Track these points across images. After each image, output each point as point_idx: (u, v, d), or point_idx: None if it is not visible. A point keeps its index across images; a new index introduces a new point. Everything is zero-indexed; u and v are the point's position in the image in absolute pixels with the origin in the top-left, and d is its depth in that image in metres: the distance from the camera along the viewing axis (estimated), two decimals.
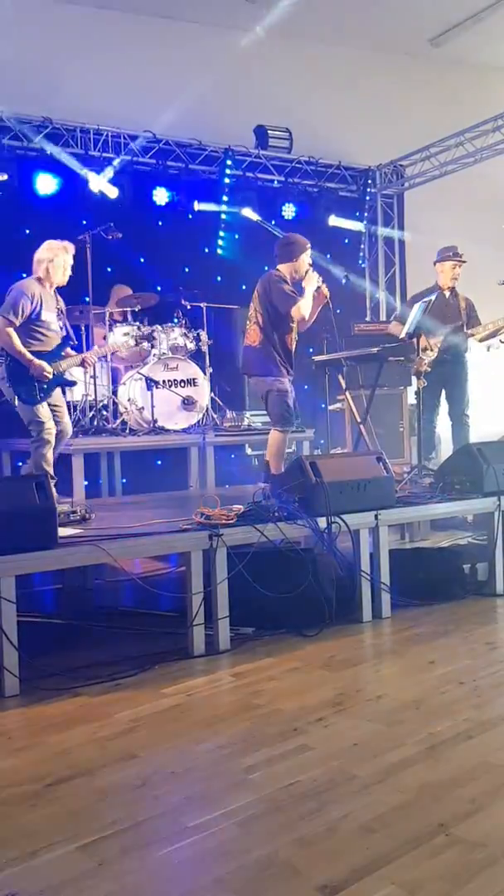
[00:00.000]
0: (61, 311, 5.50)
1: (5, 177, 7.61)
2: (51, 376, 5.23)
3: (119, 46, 8.52)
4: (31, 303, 5.17)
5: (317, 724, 3.17)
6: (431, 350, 6.68)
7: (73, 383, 5.88)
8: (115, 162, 8.19)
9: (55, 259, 5.31)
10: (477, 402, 7.52)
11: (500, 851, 2.23)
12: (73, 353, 5.55)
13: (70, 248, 5.43)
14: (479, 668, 3.75)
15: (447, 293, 7.07)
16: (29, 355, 5.14)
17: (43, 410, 5.26)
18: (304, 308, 5.46)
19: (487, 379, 7.74)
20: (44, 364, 5.17)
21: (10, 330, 5.09)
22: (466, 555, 5.38)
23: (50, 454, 5.27)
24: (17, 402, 5.25)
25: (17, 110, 7.77)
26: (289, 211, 9.36)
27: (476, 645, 4.12)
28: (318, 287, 5.59)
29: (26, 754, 3.01)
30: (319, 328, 6.33)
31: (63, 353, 5.41)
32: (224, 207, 8.98)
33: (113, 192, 8.08)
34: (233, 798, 2.59)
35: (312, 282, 5.57)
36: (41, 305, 5.23)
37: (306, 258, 5.65)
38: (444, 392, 7.05)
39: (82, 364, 5.73)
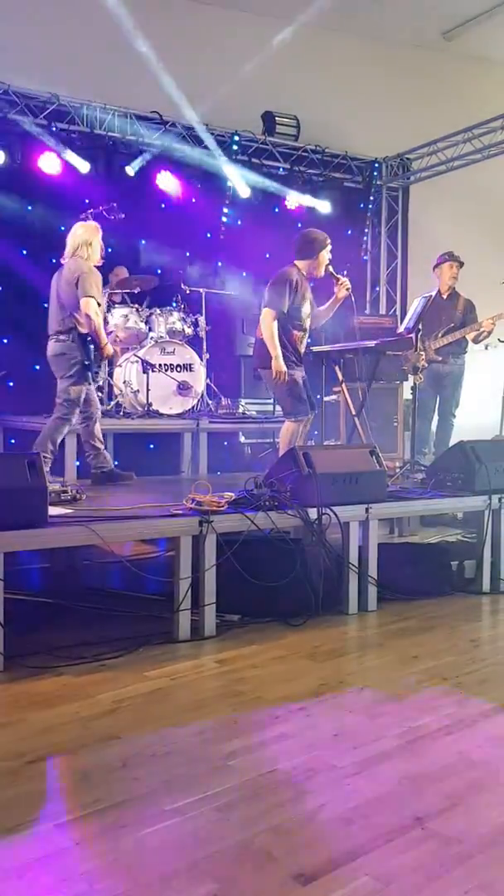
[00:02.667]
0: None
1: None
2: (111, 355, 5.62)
3: (130, 27, 8.43)
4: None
5: (298, 713, 3.18)
6: (424, 352, 6.71)
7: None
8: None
9: (93, 241, 5.51)
10: (473, 401, 7.55)
11: (476, 847, 2.25)
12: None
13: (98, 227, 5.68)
14: (463, 665, 3.77)
15: (445, 295, 7.11)
16: (104, 335, 5.46)
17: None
18: (264, 323, 5.58)
19: (483, 377, 7.75)
20: (111, 346, 5.57)
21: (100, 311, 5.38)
22: (455, 552, 5.41)
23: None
24: (70, 382, 5.41)
25: (23, 86, 7.70)
26: (292, 200, 9.32)
27: (460, 641, 4.14)
28: (347, 290, 5.70)
29: (7, 731, 3.02)
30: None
31: None
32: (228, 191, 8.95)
33: (84, 167, 8.01)
34: (212, 783, 2.60)
35: (343, 290, 5.68)
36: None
37: (326, 255, 5.68)
38: (437, 390, 7.10)
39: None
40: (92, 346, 5.35)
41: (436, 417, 7.30)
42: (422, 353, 6.40)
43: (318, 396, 6.68)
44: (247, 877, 2.12)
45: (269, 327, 5.54)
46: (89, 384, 5.53)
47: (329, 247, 5.71)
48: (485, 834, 2.32)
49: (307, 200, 9.28)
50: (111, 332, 7.04)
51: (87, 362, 5.32)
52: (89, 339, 5.35)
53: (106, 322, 7.24)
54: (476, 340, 7.02)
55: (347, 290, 5.71)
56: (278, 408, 8.29)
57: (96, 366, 5.47)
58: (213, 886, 2.06)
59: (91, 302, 5.29)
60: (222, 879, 2.10)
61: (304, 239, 5.75)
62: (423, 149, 9.70)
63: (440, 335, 7.00)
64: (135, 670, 3.65)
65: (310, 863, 2.16)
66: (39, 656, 3.73)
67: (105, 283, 7.63)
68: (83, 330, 5.36)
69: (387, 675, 3.65)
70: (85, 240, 5.47)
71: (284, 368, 5.56)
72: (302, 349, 5.81)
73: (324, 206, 9.39)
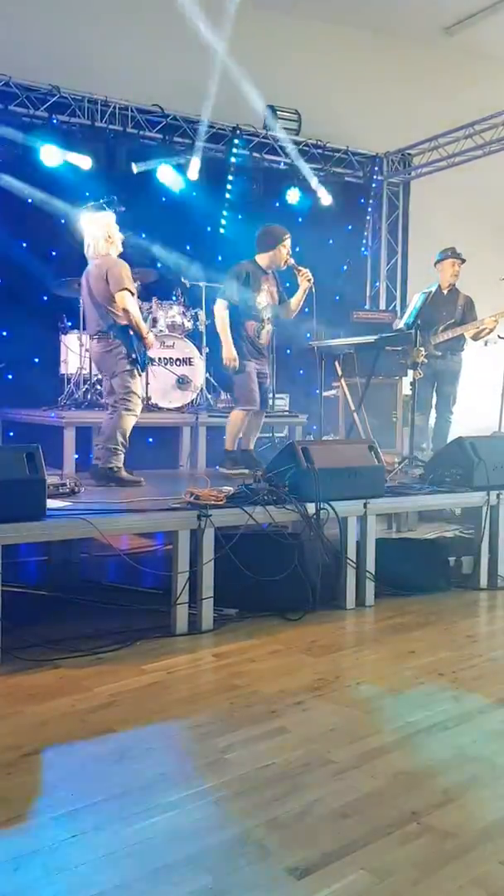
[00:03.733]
0: None
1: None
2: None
3: (131, 19, 8.42)
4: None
5: (295, 707, 3.19)
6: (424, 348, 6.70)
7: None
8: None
9: (111, 232, 5.48)
10: (470, 398, 7.55)
11: (471, 842, 2.25)
12: None
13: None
14: (459, 660, 3.77)
15: (446, 291, 7.10)
16: (144, 325, 5.44)
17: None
18: (215, 312, 5.83)
19: (482, 374, 7.75)
20: (152, 335, 5.54)
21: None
22: (452, 547, 5.41)
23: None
24: (125, 375, 5.35)
25: (25, 77, 7.66)
26: (293, 194, 9.29)
27: (457, 637, 4.15)
28: (309, 282, 5.83)
29: (4, 723, 3.02)
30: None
31: None
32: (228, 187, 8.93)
33: (84, 160, 7.96)
34: (208, 777, 2.60)
35: (304, 282, 5.82)
36: None
37: (285, 248, 5.77)
38: (435, 386, 7.11)
39: None
40: (134, 337, 5.31)
41: (433, 413, 7.30)
42: (421, 348, 6.40)
43: (317, 391, 6.69)
44: (242, 870, 2.12)
45: (218, 316, 5.81)
46: (140, 375, 5.50)
47: (288, 240, 5.86)
48: (480, 829, 2.32)
49: (313, 183, 9.25)
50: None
51: (133, 356, 5.29)
52: (131, 331, 5.31)
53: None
54: (476, 338, 7.02)
55: (309, 280, 5.82)
56: (279, 402, 8.32)
57: (143, 356, 5.42)
58: (209, 879, 2.07)
59: (126, 294, 5.24)
60: (218, 872, 2.10)
61: (262, 233, 5.92)
62: (425, 144, 9.67)
63: (440, 331, 6.99)
64: (132, 664, 3.65)
65: (305, 856, 2.17)
66: (37, 649, 3.73)
67: None
68: (123, 322, 5.30)
69: (383, 670, 3.66)
70: (104, 234, 5.43)
71: (234, 354, 5.76)
72: (263, 340, 5.94)
73: (325, 198, 9.34)
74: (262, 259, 5.86)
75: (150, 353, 7.06)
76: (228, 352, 5.76)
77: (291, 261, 5.87)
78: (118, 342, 5.33)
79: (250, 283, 5.80)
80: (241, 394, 5.93)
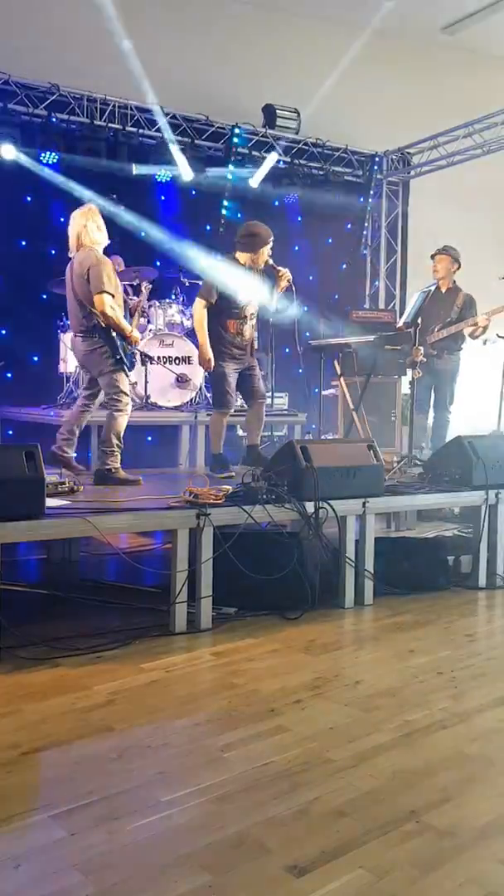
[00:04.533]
0: None
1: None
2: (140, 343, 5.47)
3: (131, 19, 8.40)
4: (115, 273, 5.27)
5: (294, 706, 3.19)
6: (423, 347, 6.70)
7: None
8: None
9: (89, 225, 5.33)
10: (470, 397, 7.54)
11: (469, 840, 2.26)
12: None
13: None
14: (458, 659, 3.77)
15: (444, 290, 7.10)
16: (126, 325, 5.30)
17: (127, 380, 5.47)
18: (194, 311, 5.75)
19: (481, 373, 7.75)
20: (136, 331, 5.40)
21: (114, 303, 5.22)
22: (451, 546, 5.41)
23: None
24: (111, 374, 5.28)
25: (23, 75, 7.66)
26: (292, 192, 9.29)
27: (456, 636, 4.15)
28: (287, 282, 5.74)
29: (3, 722, 3.02)
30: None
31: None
32: (228, 184, 8.93)
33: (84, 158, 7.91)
34: (207, 775, 2.60)
35: (283, 282, 5.72)
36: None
37: (267, 250, 5.72)
38: (433, 385, 7.11)
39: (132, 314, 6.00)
40: (118, 336, 5.22)
41: (432, 412, 7.30)
42: (420, 347, 6.40)
43: (316, 390, 6.69)
44: (241, 868, 2.12)
45: (196, 316, 5.72)
46: (126, 374, 5.40)
47: (271, 243, 5.74)
48: (478, 827, 2.33)
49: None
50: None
51: (118, 356, 5.21)
52: (113, 332, 5.22)
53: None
54: (472, 336, 7.01)
55: (288, 281, 5.75)
56: (278, 401, 8.32)
57: (129, 355, 5.34)
58: (208, 878, 2.07)
59: (104, 298, 5.09)
60: (217, 871, 2.11)
61: (246, 233, 5.77)
62: (424, 143, 9.67)
63: (435, 330, 6.98)
64: (131, 662, 3.65)
65: (304, 855, 2.17)
66: (36, 647, 3.73)
67: None
68: (105, 323, 5.21)
69: (382, 668, 3.66)
70: (83, 225, 5.28)
71: (209, 356, 5.65)
72: (247, 336, 5.79)
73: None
74: (242, 257, 5.73)
75: (150, 352, 7.09)
76: (203, 353, 5.66)
77: (270, 261, 5.76)
78: (102, 342, 5.25)
79: (229, 281, 5.66)
80: (216, 396, 5.87)
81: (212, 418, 5.98)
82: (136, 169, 8.27)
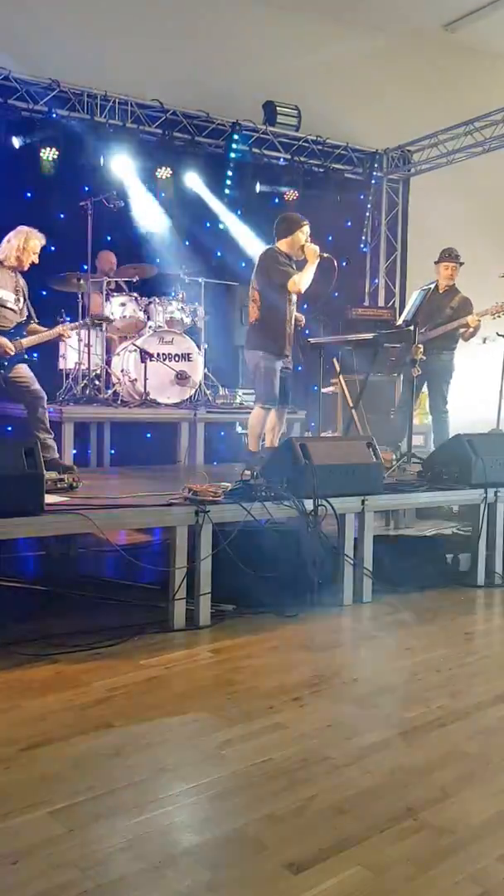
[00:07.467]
0: (21, 291, 5.59)
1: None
2: (12, 353, 5.37)
3: (131, 15, 8.39)
4: None
5: (292, 703, 3.19)
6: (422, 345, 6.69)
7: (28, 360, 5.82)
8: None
9: (28, 245, 5.46)
10: (469, 395, 7.54)
11: (467, 838, 2.26)
12: (41, 328, 5.69)
13: (40, 235, 5.56)
14: (456, 657, 3.78)
15: (441, 291, 7.09)
16: None
17: None
18: (300, 281, 5.55)
19: (480, 371, 7.75)
20: (3, 340, 5.34)
21: None
22: (450, 545, 5.42)
23: None
24: None
25: (25, 71, 7.64)
26: (292, 191, 9.27)
27: (454, 634, 4.15)
28: (320, 256, 5.63)
29: (1, 718, 3.02)
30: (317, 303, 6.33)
31: (24, 332, 5.54)
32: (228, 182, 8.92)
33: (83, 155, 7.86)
34: (205, 772, 2.61)
35: (312, 255, 5.61)
36: None
37: (302, 233, 5.68)
38: (426, 385, 7.10)
39: (59, 338, 5.95)
40: None
41: (428, 412, 7.29)
42: (420, 345, 6.39)
43: (315, 388, 6.68)
44: (239, 865, 2.13)
45: (301, 282, 5.59)
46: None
47: (306, 226, 5.71)
48: (477, 825, 2.33)
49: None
50: (112, 320, 7.03)
51: None
52: None
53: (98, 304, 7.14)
54: (463, 338, 7.00)
55: (316, 252, 5.62)
56: None
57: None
58: (206, 874, 2.07)
59: None
60: (215, 867, 2.11)
61: (280, 219, 5.81)
62: (424, 141, 9.65)
63: (427, 329, 6.97)
64: (129, 659, 3.65)
65: (302, 852, 2.17)
66: (34, 644, 3.74)
67: (94, 270, 7.56)
68: None
69: (380, 666, 3.66)
70: (19, 245, 5.45)
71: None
72: (288, 329, 5.75)
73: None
74: (283, 245, 5.68)
75: (151, 349, 7.08)
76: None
77: (310, 245, 5.68)
78: None
79: (285, 268, 5.62)
80: (265, 391, 5.73)
81: (253, 414, 5.84)
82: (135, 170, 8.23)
